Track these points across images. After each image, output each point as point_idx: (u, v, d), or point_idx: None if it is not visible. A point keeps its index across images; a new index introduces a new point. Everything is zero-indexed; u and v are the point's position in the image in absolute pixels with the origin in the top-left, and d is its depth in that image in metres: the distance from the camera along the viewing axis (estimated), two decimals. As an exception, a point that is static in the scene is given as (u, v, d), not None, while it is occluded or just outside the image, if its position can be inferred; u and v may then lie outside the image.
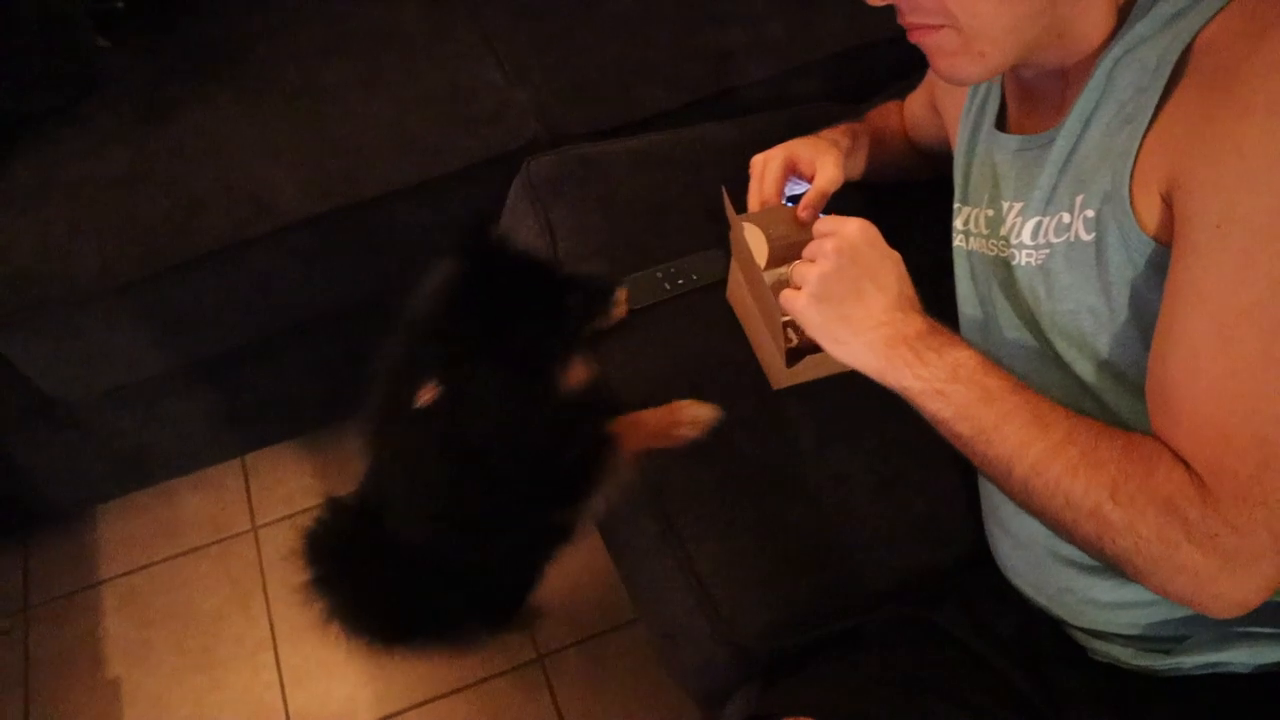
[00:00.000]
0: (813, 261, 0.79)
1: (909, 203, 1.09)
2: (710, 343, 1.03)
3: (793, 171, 1.00)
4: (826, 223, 0.80)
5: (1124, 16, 0.74)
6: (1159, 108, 0.69)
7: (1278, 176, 0.61)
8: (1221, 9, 0.67)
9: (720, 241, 1.08)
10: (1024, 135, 0.84)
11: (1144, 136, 0.69)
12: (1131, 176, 0.70)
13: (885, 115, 1.14)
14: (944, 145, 1.03)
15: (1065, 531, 0.68)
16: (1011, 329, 0.85)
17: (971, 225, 0.90)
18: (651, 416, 0.99)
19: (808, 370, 0.96)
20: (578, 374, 0.97)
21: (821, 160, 0.99)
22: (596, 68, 1.36)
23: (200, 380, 1.36)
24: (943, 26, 0.75)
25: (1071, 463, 0.67)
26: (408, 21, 1.45)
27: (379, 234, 1.28)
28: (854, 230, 0.78)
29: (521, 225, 1.18)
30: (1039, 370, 0.82)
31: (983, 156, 0.90)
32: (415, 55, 1.39)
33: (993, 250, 0.86)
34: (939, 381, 0.73)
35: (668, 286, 1.06)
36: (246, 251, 1.23)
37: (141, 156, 1.29)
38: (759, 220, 0.97)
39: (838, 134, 1.06)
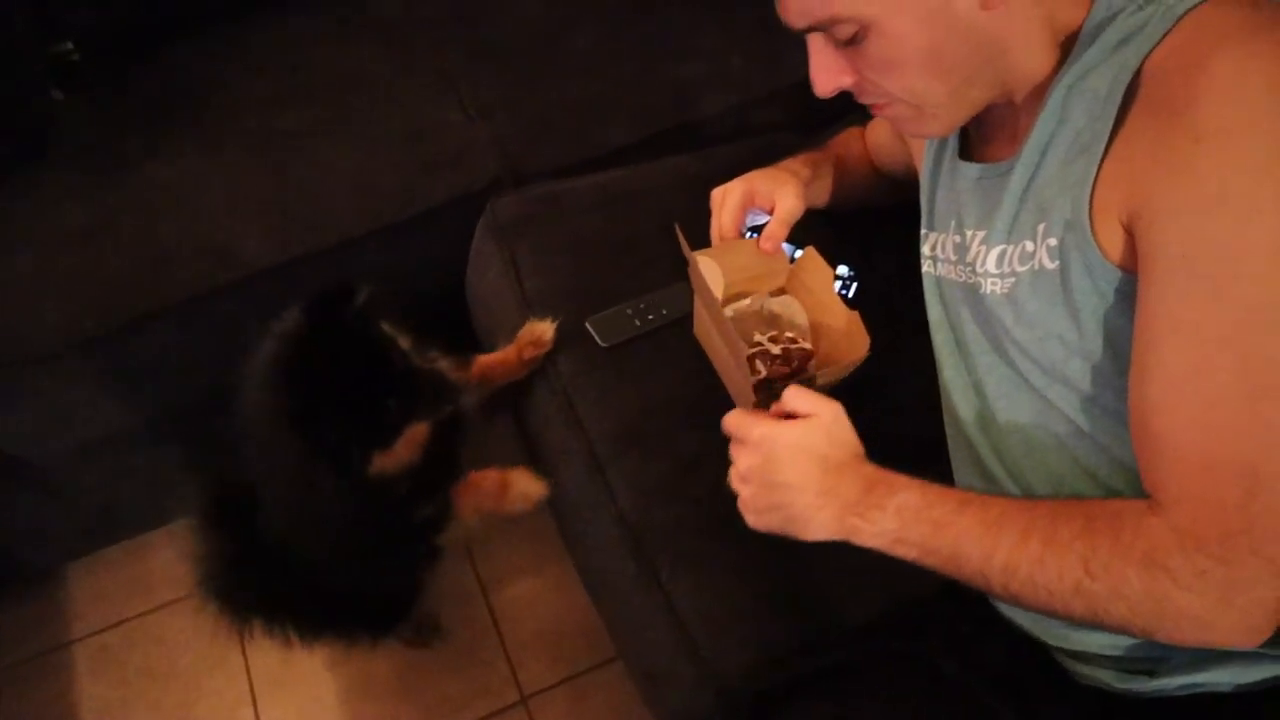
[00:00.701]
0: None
1: (876, 222, 1.10)
2: (682, 377, 1.03)
3: (752, 204, 1.00)
4: (733, 425, 0.80)
5: (1069, 47, 0.75)
6: (1113, 135, 0.69)
7: (1237, 201, 0.62)
8: (1166, 33, 0.68)
9: (687, 277, 1.08)
10: (984, 164, 0.85)
11: (1100, 164, 0.70)
12: (1091, 205, 0.70)
13: (847, 142, 1.14)
14: (908, 171, 1.03)
15: (1064, 616, 0.68)
16: (983, 354, 0.85)
17: (939, 251, 0.91)
18: (485, 482, 1.05)
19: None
20: (399, 457, 0.96)
21: (780, 191, 1.00)
22: (558, 105, 1.36)
23: (168, 432, 1.34)
24: (893, 102, 0.79)
25: (1035, 556, 0.68)
26: (367, 65, 1.44)
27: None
28: (750, 454, 0.77)
29: (487, 267, 1.18)
30: (1012, 395, 0.82)
31: (947, 184, 0.90)
32: (376, 99, 1.39)
33: (961, 277, 0.87)
34: (892, 533, 0.74)
35: (638, 323, 1.05)
36: (211, 303, 1.22)
37: (101, 209, 1.27)
38: (717, 254, 0.97)
39: (798, 164, 1.06)
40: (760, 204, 1.00)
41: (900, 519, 0.74)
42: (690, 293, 1.06)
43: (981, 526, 0.70)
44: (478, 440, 1.10)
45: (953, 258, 0.88)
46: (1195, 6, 0.67)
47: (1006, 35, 0.75)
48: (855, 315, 0.94)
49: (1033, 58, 0.76)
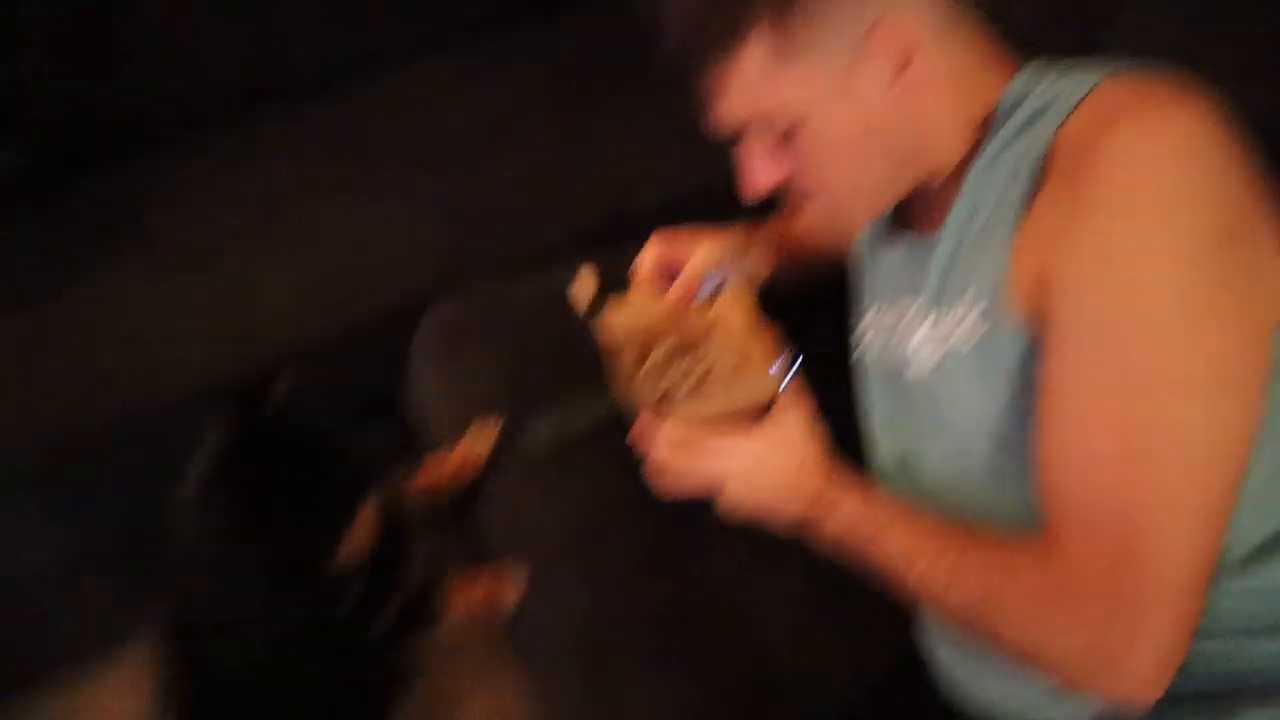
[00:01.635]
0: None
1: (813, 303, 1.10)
2: (628, 475, 1.00)
3: (669, 266, 1.00)
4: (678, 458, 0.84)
5: (987, 126, 0.77)
6: (1028, 208, 0.71)
7: (1123, 272, 0.64)
8: (1074, 108, 0.70)
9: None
10: (911, 240, 0.86)
11: (1015, 235, 0.72)
12: (1007, 276, 0.72)
13: (784, 221, 1.15)
14: (838, 251, 1.04)
15: (973, 636, 0.75)
16: (918, 428, 0.85)
17: (873, 329, 0.92)
18: (476, 581, 1.05)
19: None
20: (357, 543, 0.94)
21: (698, 244, 1.00)
22: (496, 207, 1.38)
23: (103, 565, 1.30)
24: (823, 196, 0.82)
25: (944, 580, 0.74)
26: (305, 177, 1.45)
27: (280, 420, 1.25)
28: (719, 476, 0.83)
29: (427, 374, 1.17)
30: (951, 469, 0.82)
31: (877, 262, 0.92)
32: (314, 211, 1.39)
33: (892, 353, 0.87)
34: (833, 540, 0.81)
35: (580, 426, 1.04)
36: (149, 423, 1.20)
37: (33, 325, 1.26)
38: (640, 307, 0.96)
39: (733, 230, 1.06)
40: (678, 267, 0.99)
41: (837, 534, 0.80)
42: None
43: (908, 538, 0.76)
44: (425, 550, 1.07)
45: (884, 335, 0.89)
46: (1103, 80, 0.70)
47: (928, 123, 0.77)
48: (772, 352, 0.90)
49: (954, 139, 0.79)
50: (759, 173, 0.81)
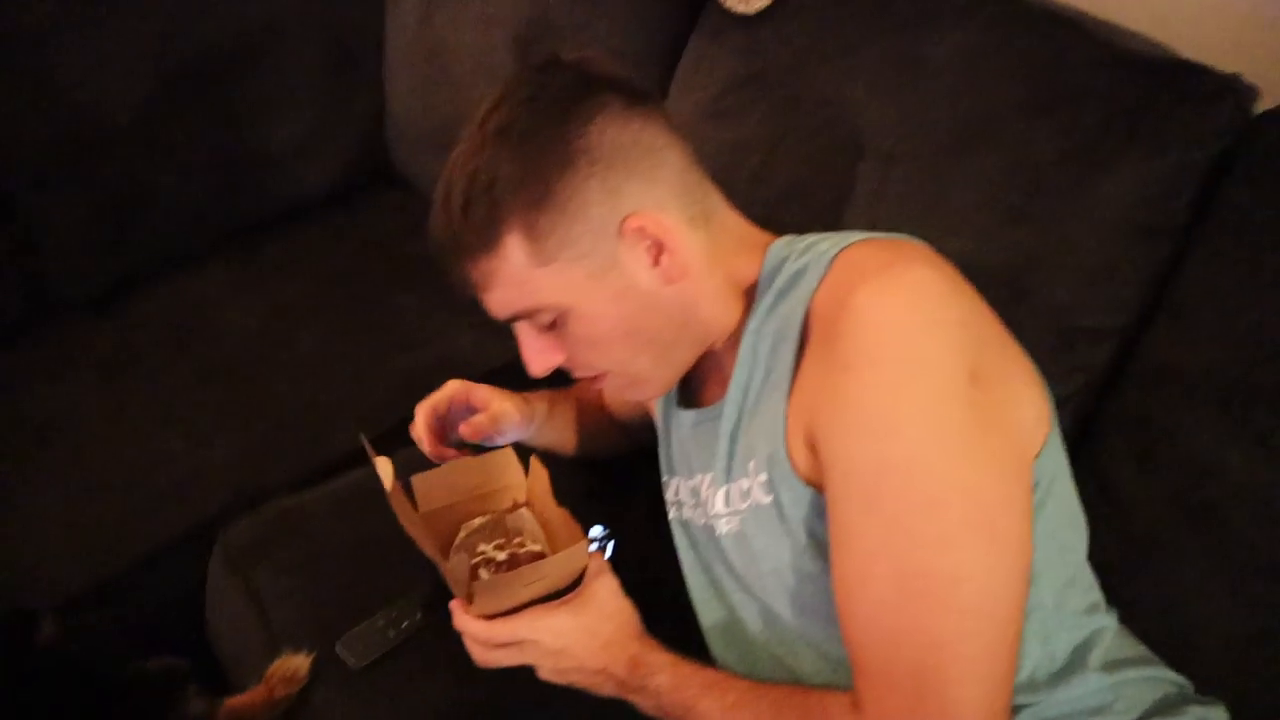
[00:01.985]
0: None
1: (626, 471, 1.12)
2: (444, 686, 0.97)
3: (464, 401, 1.01)
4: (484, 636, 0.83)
5: (752, 294, 0.82)
6: (795, 370, 0.76)
7: (876, 423, 0.68)
8: (825, 274, 0.76)
9: (439, 573, 1.04)
10: (699, 409, 0.90)
11: (788, 398, 0.76)
12: (785, 436, 0.76)
13: (584, 389, 1.17)
14: (643, 418, 1.07)
15: None
16: (735, 591, 0.87)
17: (681, 496, 0.94)
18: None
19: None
20: None
21: (497, 395, 1.01)
22: (286, 416, 1.33)
23: None
24: (606, 374, 0.85)
25: None
26: (78, 405, 1.37)
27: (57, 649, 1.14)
28: (526, 651, 0.83)
29: (226, 602, 1.09)
30: (766, 630, 0.84)
31: (672, 432, 0.95)
32: (89, 440, 1.31)
33: (700, 519, 0.89)
34: (653, 710, 0.81)
35: (391, 634, 1.00)
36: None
37: None
38: (442, 474, 0.96)
39: (534, 396, 1.07)
40: (474, 402, 1.00)
41: (657, 700, 0.80)
42: (445, 589, 1.02)
43: (719, 712, 0.77)
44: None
45: (690, 501, 0.91)
46: (844, 249, 0.76)
47: (694, 300, 0.82)
48: (575, 529, 0.89)
49: (723, 311, 0.84)
50: (536, 358, 0.83)
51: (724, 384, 0.84)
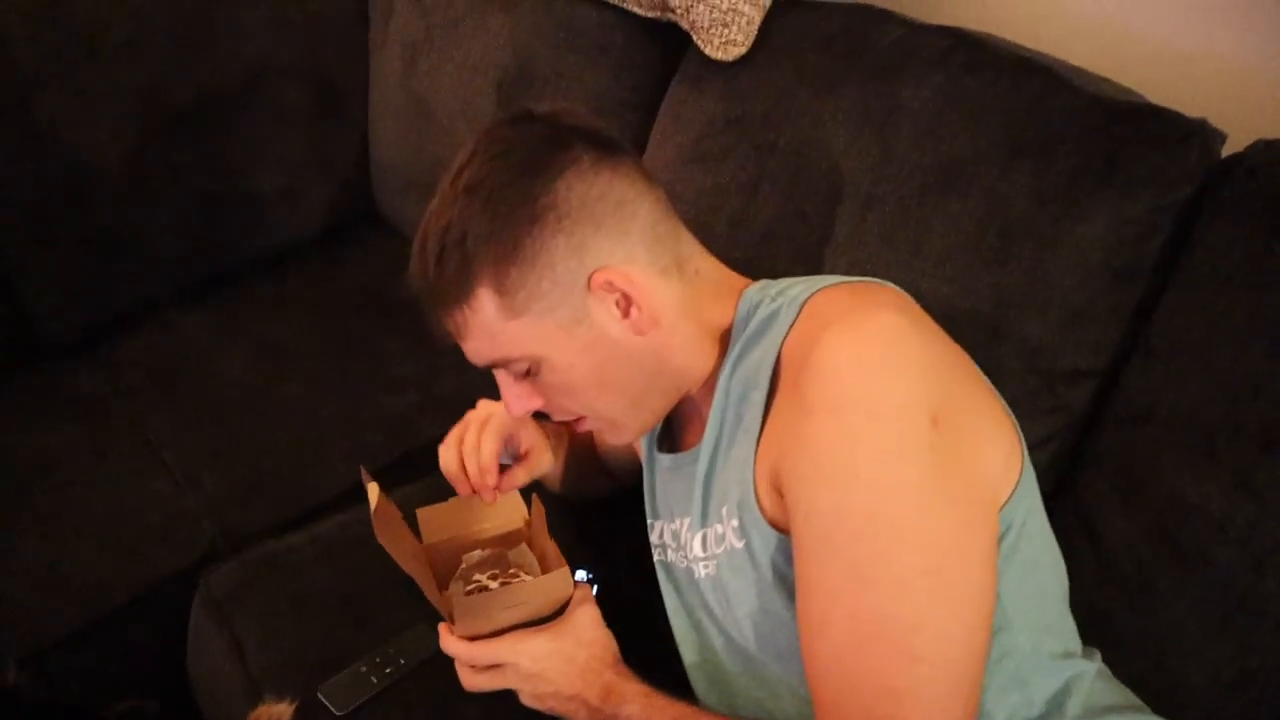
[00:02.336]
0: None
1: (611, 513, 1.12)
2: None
3: (513, 442, 1.00)
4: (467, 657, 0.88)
5: (726, 339, 0.84)
6: (765, 416, 0.77)
7: (835, 469, 0.68)
8: (795, 319, 0.77)
9: (427, 615, 1.04)
10: (675, 454, 0.91)
11: (758, 443, 0.77)
12: (754, 481, 0.77)
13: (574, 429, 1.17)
14: (631, 461, 1.07)
15: None
16: (715, 634, 0.87)
17: (664, 538, 0.94)
18: None
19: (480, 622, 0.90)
20: None
21: (539, 443, 1.01)
22: (270, 459, 1.33)
23: None
24: (584, 418, 0.87)
25: None
26: (61, 447, 1.36)
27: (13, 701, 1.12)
28: (505, 675, 0.87)
29: (208, 648, 1.08)
30: (745, 673, 0.84)
31: (655, 475, 0.96)
32: (71, 482, 1.30)
33: (682, 563, 0.90)
34: None
35: (374, 680, 0.99)
36: None
37: None
38: (445, 510, 0.99)
39: (548, 428, 1.06)
40: (518, 444, 1.00)
41: None
42: (431, 634, 1.02)
43: None
44: None
45: (673, 544, 0.92)
46: (814, 294, 0.78)
47: (666, 349, 0.83)
48: (561, 560, 0.92)
49: (697, 358, 0.85)
50: (514, 402, 0.86)
51: (702, 428, 0.85)
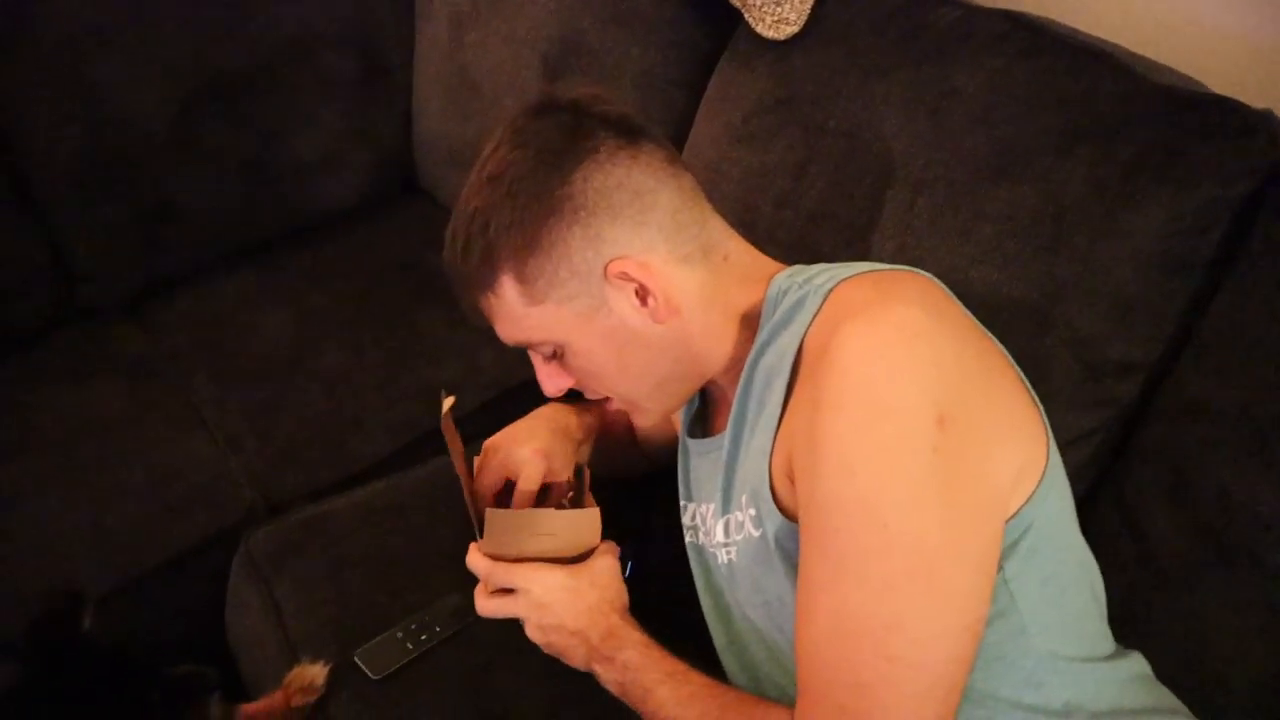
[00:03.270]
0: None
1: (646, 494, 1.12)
2: (461, 700, 0.97)
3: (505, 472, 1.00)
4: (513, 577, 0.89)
5: (754, 325, 0.83)
6: (785, 405, 0.76)
7: (837, 465, 0.68)
8: (820, 308, 0.76)
9: (463, 585, 1.05)
10: (702, 439, 0.92)
11: (776, 432, 0.77)
12: (770, 469, 0.77)
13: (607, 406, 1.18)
14: (666, 442, 1.08)
15: None
16: (741, 619, 0.88)
17: (695, 521, 0.95)
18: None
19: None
20: None
21: (527, 465, 0.98)
22: (311, 424, 1.34)
23: None
24: (613, 398, 0.90)
25: None
26: (106, 406, 1.37)
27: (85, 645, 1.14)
28: (517, 600, 0.89)
29: (246, 608, 1.10)
30: (768, 659, 0.85)
31: (687, 458, 0.97)
32: (115, 440, 1.31)
33: (709, 547, 0.91)
34: (616, 685, 0.84)
35: (410, 646, 1.00)
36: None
37: None
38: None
39: (573, 420, 1.06)
40: (508, 473, 1.00)
41: (624, 674, 0.83)
42: (465, 604, 1.03)
43: (673, 702, 0.79)
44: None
45: (702, 527, 0.93)
46: (840, 284, 0.77)
47: (688, 336, 0.84)
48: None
49: (721, 344, 0.85)
50: (547, 381, 0.89)
51: (729, 414, 0.85)
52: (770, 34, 1.17)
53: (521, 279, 0.80)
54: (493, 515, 0.89)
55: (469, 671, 0.99)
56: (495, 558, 0.90)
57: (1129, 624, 0.85)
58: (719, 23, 1.29)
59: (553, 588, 0.87)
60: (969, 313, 0.79)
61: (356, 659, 0.99)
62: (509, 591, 0.89)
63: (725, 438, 0.84)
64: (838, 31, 1.14)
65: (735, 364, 0.84)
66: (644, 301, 0.81)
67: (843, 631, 0.67)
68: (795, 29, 1.15)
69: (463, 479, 0.94)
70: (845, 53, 1.13)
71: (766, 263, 0.88)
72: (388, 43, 1.71)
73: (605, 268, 0.80)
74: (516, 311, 0.82)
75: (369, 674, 0.98)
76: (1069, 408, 0.97)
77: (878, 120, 1.08)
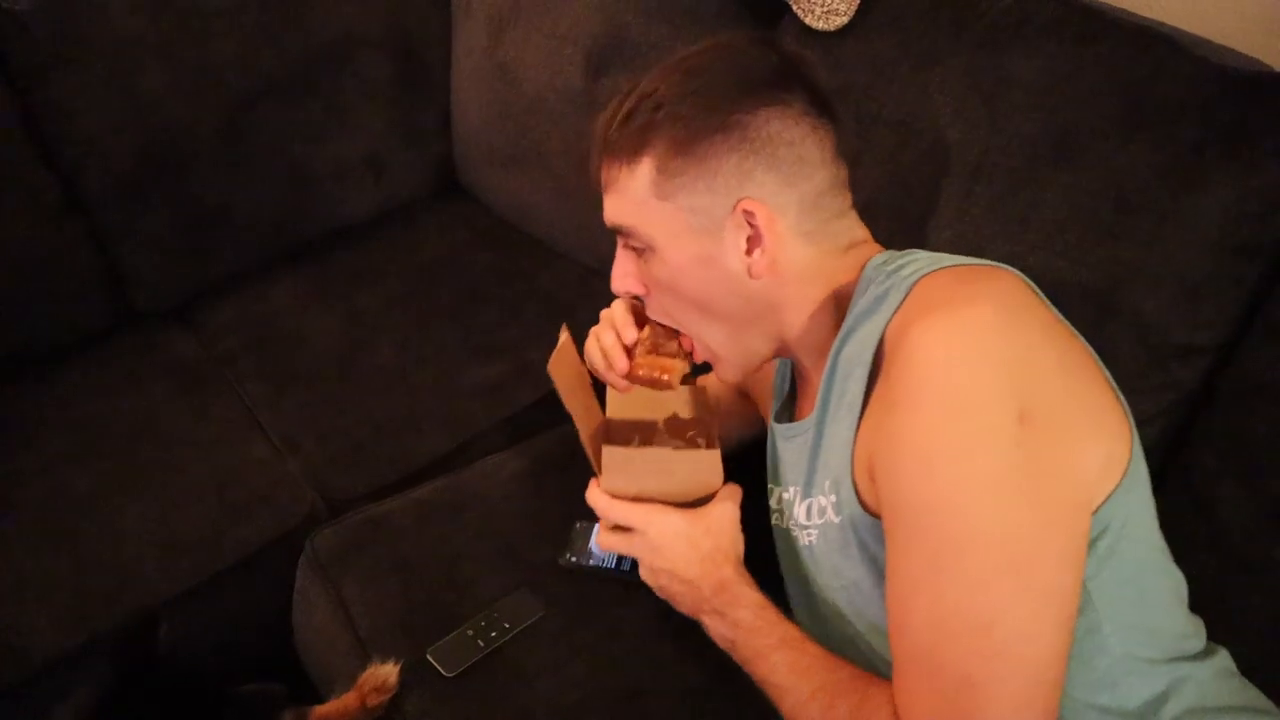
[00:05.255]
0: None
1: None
2: (537, 694, 0.98)
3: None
4: (630, 516, 0.90)
5: (844, 309, 0.83)
6: (867, 397, 0.77)
7: (917, 465, 0.69)
8: (903, 301, 0.76)
9: (527, 581, 1.06)
10: (789, 423, 0.91)
11: (858, 425, 0.77)
12: (852, 463, 0.78)
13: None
14: (744, 426, 1.10)
15: None
16: (822, 603, 0.88)
17: (780, 505, 0.96)
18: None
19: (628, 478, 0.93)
20: None
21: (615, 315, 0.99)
22: (368, 424, 1.35)
23: None
24: (688, 336, 0.90)
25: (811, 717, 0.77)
26: (164, 411, 1.39)
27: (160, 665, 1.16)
28: (634, 539, 0.90)
29: (314, 609, 1.11)
30: (846, 643, 0.85)
31: (774, 440, 0.97)
32: (175, 446, 1.33)
33: (794, 529, 0.91)
34: (726, 640, 0.85)
35: (481, 643, 1.00)
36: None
37: None
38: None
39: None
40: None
41: (735, 633, 0.84)
42: (533, 600, 1.04)
43: (786, 668, 0.80)
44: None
45: (786, 510, 0.93)
46: (924, 276, 0.77)
47: (778, 299, 0.85)
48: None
49: (810, 320, 0.86)
50: (619, 277, 0.90)
51: (813, 400, 0.85)
52: (820, 25, 1.17)
53: (662, 170, 0.82)
54: (609, 452, 0.90)
55: (541, 667, 1.00)
56: (615, 496, 0.91)
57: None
58: (764, 15, 1.29)
59: (668, 532, 0.88)
60: (1056, 311, 0.79)
61: (429, 657, 1.00)
62: (629, 531, 0.91)
63: (810, 422, 0.85)
64: (888, 20, 1.14)
65: (822, 346, 0.84)
66: (750, 251, 0.82)
67: (943, 630, 0.67)
68: (845, 19, 1.15)
69: (577, 418, 0.95)
70: (896, 41, 1.12)
71: (865, 244, 0.88)
72: (426, 43, 1.72)
73: (738, 202, 0.81)
74: (639, 195, 0.84)
75: (442, 672, 0.98)
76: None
77: (931, 109, 1.08)
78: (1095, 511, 0.72)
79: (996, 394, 0.68)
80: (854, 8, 1.15)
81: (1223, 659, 0.81)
